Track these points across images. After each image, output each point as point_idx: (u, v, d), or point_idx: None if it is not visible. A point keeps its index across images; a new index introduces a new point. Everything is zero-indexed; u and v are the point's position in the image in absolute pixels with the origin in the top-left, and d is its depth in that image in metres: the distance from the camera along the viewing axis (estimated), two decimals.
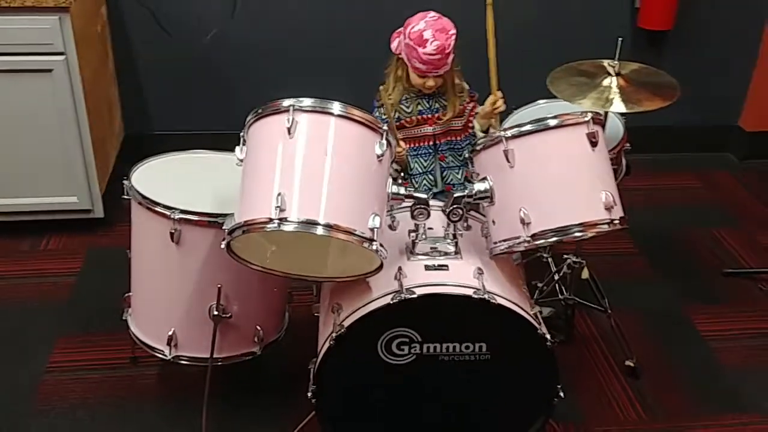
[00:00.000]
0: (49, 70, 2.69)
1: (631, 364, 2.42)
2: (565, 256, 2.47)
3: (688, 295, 2.79)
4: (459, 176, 2.29)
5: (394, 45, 2.19)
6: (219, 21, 3.18)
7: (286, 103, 1.75)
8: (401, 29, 2.17)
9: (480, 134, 2.26)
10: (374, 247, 1.72)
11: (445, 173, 2.26)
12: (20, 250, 2.93)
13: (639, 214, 3.27)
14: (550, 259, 2.64)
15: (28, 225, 2.96)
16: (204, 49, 3.22)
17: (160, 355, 2.11)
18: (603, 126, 1.90)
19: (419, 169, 2.24)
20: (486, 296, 1.79)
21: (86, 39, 2.83)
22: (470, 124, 2.29)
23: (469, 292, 1.80)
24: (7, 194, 2.89)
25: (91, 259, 2.90)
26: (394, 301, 1.79)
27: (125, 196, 2.05)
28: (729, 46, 3.55)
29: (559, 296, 2.49)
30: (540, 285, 2.51)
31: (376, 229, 1.72)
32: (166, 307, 2.08)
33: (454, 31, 2.11)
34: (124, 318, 2.20)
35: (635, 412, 2.30)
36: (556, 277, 2.50)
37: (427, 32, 2.08)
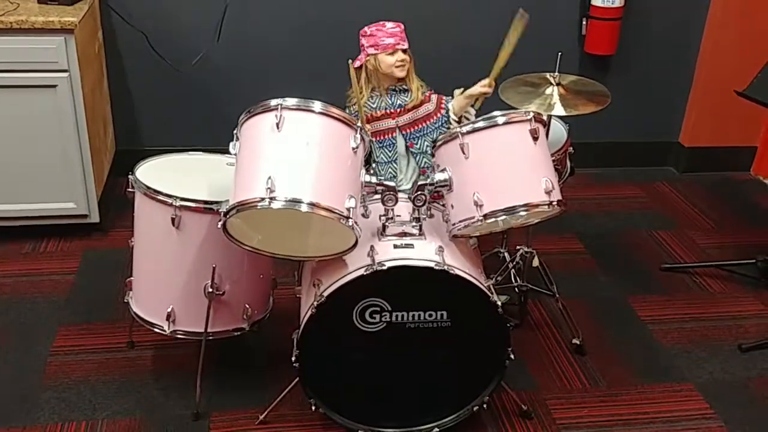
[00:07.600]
0: (54, 86, 2.95)
1: (578, 342, 2.72)
2: (518, 247, 2.78)
3: (630, 286, 3.11)
4: (431, 160, 2.59)
5: (357, 64, 2.50)
6: (205, 45, 3.48)
7: (274, 102, 2.05)
8: (358, 58, 2.50)
9: (453, 116, 2.55)
10: (350, 224, 2.01)
11: (418, 158, 2.56)
12: (22, 251, 3.17)
13: (588, 219, 3.64)
14: (506, 254, 2.95)
15: (29, 229, 3.20)
16: (191, 71, 3.51)
17: (160, 330, 2.35)
18: (544, 124, 2.22)
19: (384, 159, 2.55)
20: (446, 267, 2.09)
21: (86, 58, 3.10)
22: (442, 107, 2.56)
23: (431, 264, 2.09)
24: (10, 200, 3.12)
25: (87, 260, 3.14)
26: (367, 272, 2.08)
27: (130, 189, 2.31)
28: (668, 69, 3.92)
29: (514, 284, 2.80)
30: (495, 275, 2.80)
31: (351, 209, 2.02)
32: (165, 287, 2.33)
33: None
34: (125, 300, 2.45)
35: (580, 383, 2.59)
36: (511, 265, 2.80)
37: (379, 23, 2.47)
